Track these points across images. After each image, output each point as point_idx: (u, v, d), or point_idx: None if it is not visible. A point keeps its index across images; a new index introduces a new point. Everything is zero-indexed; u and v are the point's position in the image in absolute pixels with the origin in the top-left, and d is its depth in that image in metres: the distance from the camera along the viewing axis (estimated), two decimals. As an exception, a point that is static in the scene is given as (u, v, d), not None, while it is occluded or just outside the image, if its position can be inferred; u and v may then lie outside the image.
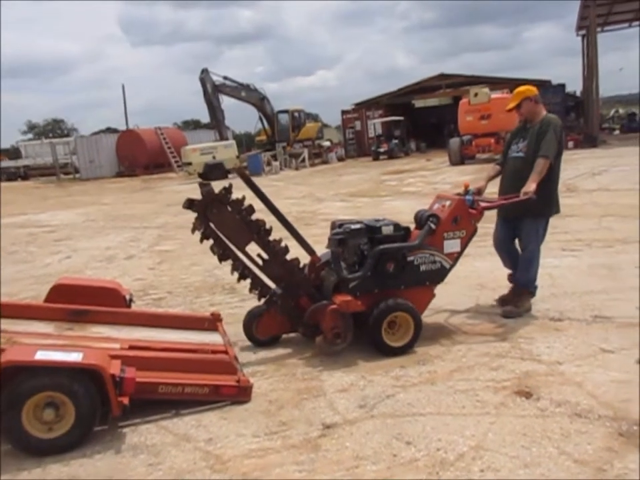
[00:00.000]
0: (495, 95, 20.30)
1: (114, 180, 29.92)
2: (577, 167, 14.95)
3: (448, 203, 4.20)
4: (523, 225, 4.41)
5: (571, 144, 22.22)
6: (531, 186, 4.08)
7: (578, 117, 29.34)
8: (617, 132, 30.62)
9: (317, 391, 3.38)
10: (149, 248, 8.97)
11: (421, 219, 4.09)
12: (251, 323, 4.20)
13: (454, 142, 20.03)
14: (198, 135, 37.07)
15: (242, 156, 26.71)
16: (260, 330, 4.18)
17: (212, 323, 4.29)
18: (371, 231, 3.98)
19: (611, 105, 39.86)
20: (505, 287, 4.78)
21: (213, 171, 23.43)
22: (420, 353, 3.86)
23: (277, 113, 29.44)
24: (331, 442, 2.81)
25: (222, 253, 3.88)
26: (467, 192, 4.27)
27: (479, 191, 4.47)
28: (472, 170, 17.52)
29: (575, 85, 30.70)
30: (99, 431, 2.96)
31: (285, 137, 28.91)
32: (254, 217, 3.89)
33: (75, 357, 2.80)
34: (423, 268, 3.97)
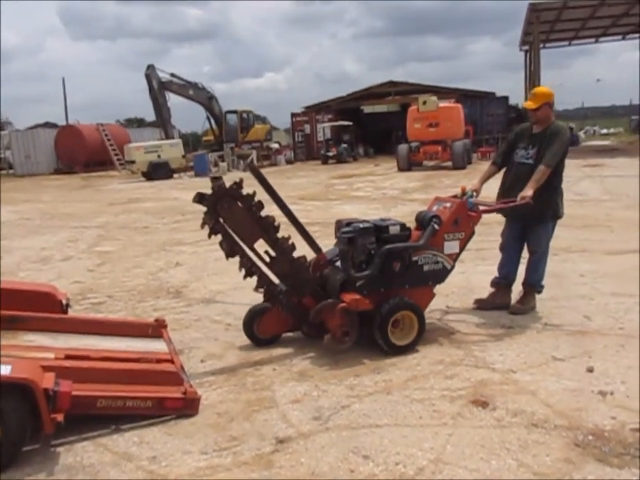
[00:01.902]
0: (443, 103, 20.72)
1: (51, 177, 28.61)
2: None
3: (448, 205, 4.26)
4: (532, 229, 4.53)
5: (513, 154, 22.97)
6: (528, 191, 4.13)
7: (519, 129, 30.33)
8: (555, 144, 31.90)
9: (269, 402, 3.22)
10: (89, 249, 8.53)
11: (423, 220, 4.11)
12: (252, 321, 4.06)
13: (402, 148, 20.27)
14: (142, 133, 35.97)
15: (188, 156, 26.11)
16: (262, 328, 4.06)
17: (156, 329, 4.04)
18: (379, 230, 3.98)
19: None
20: (462, 292, 4.78)
21: (158, 170, 22.82)
22: (374, 361, 3.76)
23: (225, 113, 28.94)
24: (284, 458, 2.66)
25: (230, 249, 3.78)
26: (464, 194, 4.37)
27: (475, 194, 4.50)
28: (420, 176, 17.76)
29: (514, 99, 31.67)
30: (29, 451, 2.70)
31: (233, 138, 28.47)
32: (263, 213, 3.82)
33: (2, 370, 2.53)
34: (426, 268, 4.03)
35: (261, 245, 3.93)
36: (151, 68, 24.92)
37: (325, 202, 12.67)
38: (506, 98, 30.68)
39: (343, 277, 3.89)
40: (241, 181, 3.74)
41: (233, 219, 3.74)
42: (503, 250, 4.83)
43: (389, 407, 3.11)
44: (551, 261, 6.36)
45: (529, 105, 4.41)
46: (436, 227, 4.03)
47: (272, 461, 2.64)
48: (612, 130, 49.31)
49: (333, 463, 2.60)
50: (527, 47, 30.01)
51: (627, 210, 9.74)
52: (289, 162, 29.82)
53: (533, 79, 25.56)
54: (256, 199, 3.79)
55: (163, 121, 26.10)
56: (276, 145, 31.26)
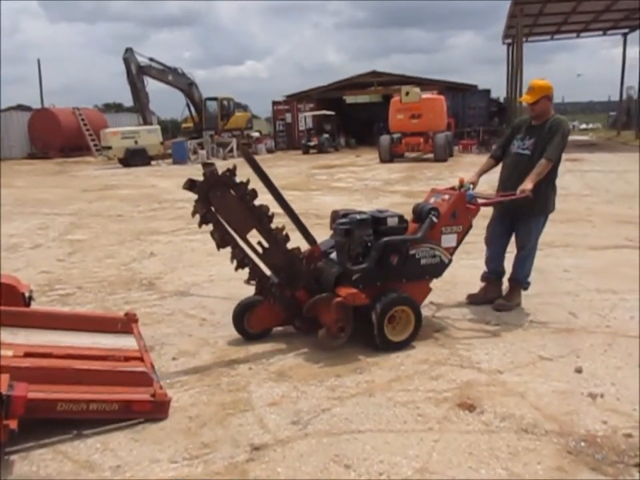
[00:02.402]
0: (426, 95, 20.58)
1: (24, 162, 27.86)
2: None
3: (447, 197, 4.13)
4: (523, 223, 4.42)
5: (494, 147, 22.99)
6: (528, 185, 4.05)
7: (501, 122, 30.41)
8: (535, 138, 32.12)
9: (244, 405, 3.02)
10: (60, 237, 8.19)
11: (421, 212, 3.99)
12: (243, 314, 3.90)
13: (384, 139, 20.10)
14: (120, 119, 35.25)
15: (166, 142, 25.64)
16: (252, 322, 3.90)
17: (126, 324, 3.81)
18: (376, 222, 3.85)
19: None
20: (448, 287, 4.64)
21: (135, 156, 22.39)
22: (356, 360, 3.59)
23: (205, 100, 28.45)
24: (260, 467, 2.47)
25: (221, 240, 3.62)
26: (461, 186, 4.24)
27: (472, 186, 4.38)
28: (401, 168, 17.64)
29: (496, 92, 31.74)
30: (-21, 459, 2.47)
31: (213, 126, 28.00)
32: (257, 201, 3.67)
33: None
34: (423, 262, 3.92)
35: (253, 235, 3.76)
36: (129, 51, 24.38)
37: (306, 192, 12.44)
38: (488, 91, 30.73)
39: (339, 269, 3.74)
40: (234, 167, 3.57)
41: (225, 207, 3.57)
42: (489, 244, 4.73)
43: (372, 411, 2.94)
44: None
45: (527, 99, 4.30)
46: (434, 219, 3.92)
47: (246, 470, 2.44)
48: (591, 125, 49.88)
49: (312, 473, 2.42)
50: (509, 41, 30.02)
51: (607, 205, 9.76)
52: (269, 151, 29.50)
53: (515, 72, 25.57)
54: (249, 187, 3.63)
55: (141, 107, 25.61)
56: (257, 134, 30.90)
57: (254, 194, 3.63)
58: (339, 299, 3.57)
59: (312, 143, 26.93)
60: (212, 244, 7.21)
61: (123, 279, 5.70)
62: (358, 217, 3.82)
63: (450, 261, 4.08)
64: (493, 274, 4.69)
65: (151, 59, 25.58)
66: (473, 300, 4.68)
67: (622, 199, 10.19)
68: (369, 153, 24.09)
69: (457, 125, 26.04)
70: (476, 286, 4.81)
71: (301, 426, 2.80)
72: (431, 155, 19.73)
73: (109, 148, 22.72)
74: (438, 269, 4.03)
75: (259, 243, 3.75)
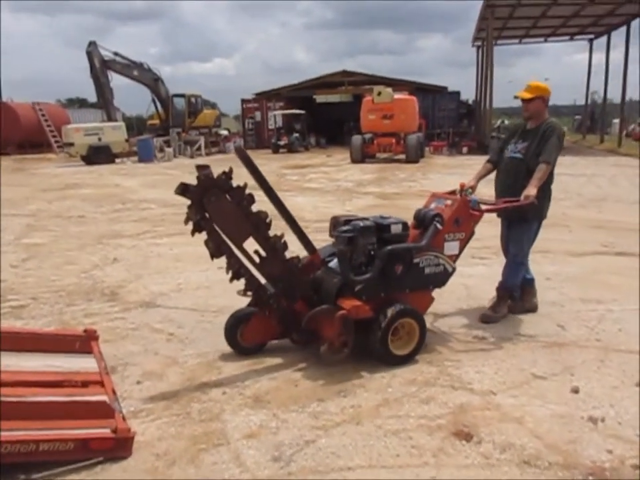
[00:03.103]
0: (398, 95, 20.44)
1: (-20, 158, 26.70)
2: (473, 172, 15.27)
3: (449, 202, 3.97)
4: (516, 229, 4.30)
5: (465, 149, 23.09)
6: (532, 190, 3.94)
7: (470, 125, 30.64)
8: (503, 141, 32.50)
9: (219, 438, 2.71)
10: (15, 240, 7.65)
11: (424, 219, 3.80)
12: (236, 327, 3.66)
13: (356, 139, 19.88)
14: (83, 115, 34.20)
15: (132, 140, 24.91)
16: (246, 336, 3.66)
17: (85, 342, 3.46)
18: (380, 229, 3.64)
19: (497, 116, 42.23)
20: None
21: (98, 154, 21.63)
22: (339, 382, 3.31)
23: (172, 97, 27.78)
24: (238, 516, 2.17)
25: (216, 249, 3.38)
26: (462, 191, 4.13)
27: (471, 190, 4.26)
28: (373, 169, 17.45)
29: (464, 95, 31.97)
30: None
31: (180, 123, 27.35)
32: (254, 207, 3.46)
33: None
34: (427, 271, 3.74)
35: (249, 243, 3.51)
36: (92, 45, 23.60)
37: (278, 193, 12.10)
38: (457, 93, 30.90)
39: (341, 280, 3.53)
40: (230, 170, 3.32)
41: (221, 214, 3.33)
42: (504, 252, 4.60)
43: (361, 442, 2.67)
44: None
45: (523, 94, 4.19)
46: (439, 226, 3.73)
47: (222, 520, 2.14)
48: (556, 128, 50.75)
49: (298, 523, 2.13)
50: (479, 43, 30.22)
51: (581, 209, 9.75)
52: (238, 150, 28.95)
53: (485, 75, 25.75)
54: (247, 191, 3.42)
55: (105, 102, 24.82)
56: (225, 132, 30.35)
57: (251, 199, 3.41)
58: (343, 312, 3.35)
59: (282, 142, 26.52)
60: (179, 249, 6.94)
61: (83, 288, 5.28)
62: (361, 223, 3.60)
63: (454, 269, 3.90)
64: (524, 283, 4.50)
65: (116, 53, 24.85)
66: (511, 310, 4.47)
67: (593, 204, 10.21)
68: (339, 153, 23.85)
69: (428, 126, 26.04)
70: (455, 295, 4.61)
71: (283, 463, 2.50)
72: (402, 156, 19.60)
73: (71, 145, 21.87)
74: (442, 278, 3.86)
75: (256, 252, 3.51)
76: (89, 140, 21.90)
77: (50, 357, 3.20)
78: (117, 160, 22.80)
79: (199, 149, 25.66)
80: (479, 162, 19.65)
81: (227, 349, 3.77)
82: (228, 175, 3.32)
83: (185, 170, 18.64)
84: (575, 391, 3.22)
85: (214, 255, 3.40)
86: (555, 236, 7.48)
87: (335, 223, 3.75)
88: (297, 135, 26.85)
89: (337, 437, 2.71)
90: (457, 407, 3.02)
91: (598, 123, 33.58)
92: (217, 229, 3.35)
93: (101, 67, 23.83)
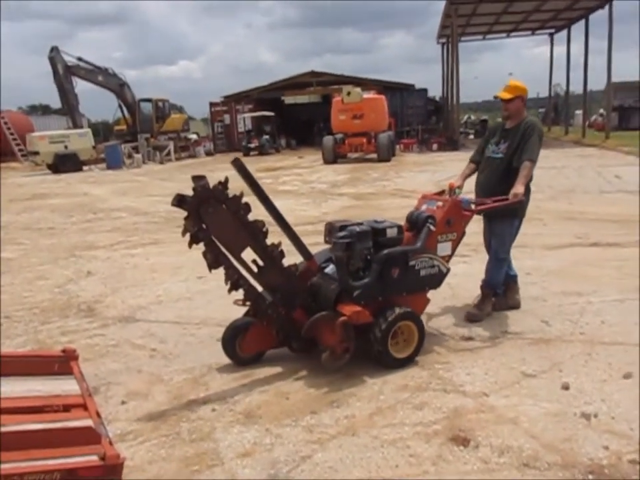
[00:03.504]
0: (367, 95, 20.49)
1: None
2: (445, 169, 15.44)
3: (440, 203, 4.00)
4: (497, 226, 4.34)
5: (435, 146, 23.29)
6: (519, 189, 3.97)
7: (438, 121, 30.93)
8: (472, 136, 32.84)
9: (212, 458, 2.62)
10: (-18, 256, 7.41)
11: (417, 221, 3.82)
12: (234, 338, 3.61)
13: (327, 140, 19.85)
14: (47, 122, 33.45)
15: (99, 146, 24.43)
16: (245, 346, 3.63)
17: (64, 363, 3.30)
18: (375, 234, 3.64)
19: (464, 111, 42.75)
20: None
21: (65, 162, 21.18)
22: (331, 391, 3.26)
23: (139, 102, 27.34)
24: (238, 541, 2.09)
25: (215, 260, 3.35)
26: (452, 192, 4.19)
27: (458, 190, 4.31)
28: (346, 169, 17.44)
29: (431, 91, 32.11)
30: None
31: (148, 128, 26.92)
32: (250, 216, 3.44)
33: None
34: (423, 273, 3.75)
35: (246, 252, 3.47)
36: (55, 50, 23.12)
37: (251, 197, 11.98)
38: (425, 90, 31.14)
39: (339, 286, 3.52)
40: (227, 180, 3.31)
41: (218, 224, 3.29)
42: (487, 250, 4.63)
43: (358, 454, 2.61)
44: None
45: (504, 95, 4.22)
46: (432, 227, 3.75)
47: None
48: (521, 122, 51.56)
49: None
50: (444, 40, 30.51)
51: (552, 201, 9.88)
52: (208, 154, 28.69)
53: (451, 71, 26.02)
54: (243, 200, 3.40)
55: (70, 109, 24.33)
56: (194, 136, 29.98)
57: (248, 208, 3.38)
58: (344, 318, 3.33)
59: (252, 145, 26.34)
60: (155, 259, 6.79)
61: (58, 304, 5.11)
62: (357, 229, 3.59)
63: (448, 270, 3.91)
64: (506, 279, 4.55)
65: (79, 59, 24.39)
66: (496, 307, 4.50)
67: (563, 195, 10.37)
68: (311, 154, 23.81)
69: (397, 124, 26.18)
70: (441, 295, 4.60)
71: (280, 481, 2.43)
72: (374, 155, 19.66)
73: (37, 153, 21.36)
74: (437, 279, 3.87)
75: (254, 262, 3.49)
76: (55, 148, 21.42)
77: (28, 381, 3.06)
78: (85, 167, 22.34)
79: (168, 154, 25.31)
80: (449, 158, 19.95)
81: (213, 362, 3.68)
82: (224, 185, 3.30)
83: (154, 177, 18.37)
84: (566, 387, 3.23)
85: (212, 266, 3.36)
86: (530, 230, 7.53)
87: (330, 228, 3.73)
88: (267, 137, 26.72)
89: (333, 451, 2.65)
90: (451, 411, 2.99)
91: (562, 114, 34.24)
92: (215, 239, 3.32)
93: (64, 73, 23.36)
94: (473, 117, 42.71)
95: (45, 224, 9.60)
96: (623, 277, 5.25)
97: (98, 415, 2.87)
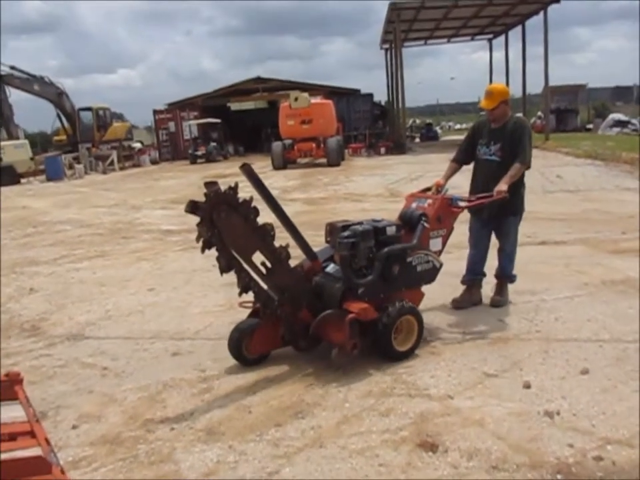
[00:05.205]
0: (315, 100, 20.53)
1: None
2: (394, 173, 15.64)
3: (430, 201, 4.17)
4: (504, 224, 4.52)
5: (383, 150, 23.58)
6: (503, 186, 4.11)
7: (385, 125, 31.36)
8: (418, 140, 33.55)
9: (173, 481, 2.49)
10: None
11: (411, 219, 4.01)
12: (241, 339, 3.64)
13: (277, 146, 19.75)
14: (-20, 133, 31.82)
15: (38, 158, 23.48)
16: (252, 347, 3.66)
17: (8, 388, 3.07)
18: (377, 232, 3.75)
19: (409, 116, 43.63)
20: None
21: (1, 175, 20.18)
22: (294, 401, 3.17)
23: (78, 111, 26.52)
24: None
25: (227, 265, 3.39)
26: (439, 191, 4.32)
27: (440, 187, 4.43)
28: (296, 175, 17.39)
29: (376, 96, 32.52)
30: None
31: (89, 138, 26.18)
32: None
33: None
34: (419, 268, 3.92)
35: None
36: (-15, 60, 22.07)
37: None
38: (371, 95, 31.52)
39: (344, 284, 3.62)
40: (236, 185, 3.36)
41: (231, 229, 3.33)
42: (473, 246, 4.74)
43: (327, 467, 2.53)
44: (448, 260, 6.26)
45: (487, 104, 4.33)
46: (426, 225, 3.95)
47: None
48: (464, 125, 53.22)
49: None
50: (387, 46, 31.01)
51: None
52: (153, 162, 28.07)
53: (396, 77, 26.44)
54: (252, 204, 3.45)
55: (4, 120, 23.43)
56: (138, 145, 29.33)
57: (257, 212, 3.45)
58: (353, 315, 3.42)
59: (199, 152, 25.93)
60: (103, 272, 6.51)
61: (-1, 324, 4.80)
62: (360, 228, 3.70)
63: (441, 264, 4.08)
64: (478, 275, 4.72)
65: (13, 67, 23.45)
66: (459, 305, 4.63)
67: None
68: (260, 160, 23.61)
69: (344, 129, 26.37)
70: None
71: (247, 501, 2.33)
72: (323, 160, 19.70)
73: (-31, 166, 20.32)
74: (432, 274, 4.04)
75: (263, 264, 3.55)
76: (-11, 160, 20.43)
77: (-33, 410, 2.83)
78: (23, 180, 21.41)
79: (111, 163, 24.61)
80: (397, 161, 20.18)
81: (169, 378, 3.53)
82: (235, 190, 3.33)
83: (97, 187, 17.78)
84: (527, 386, 3.25)
85: (224, 270, 3.41)
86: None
87: (332, 229, 3.82)
88: (214, 144, 26.39)
89: (301, 465, 2.56)
90: (418, 416, 2.96)
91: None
92: (226, 244, 3.35)
93: (-4, 82, 22.38)
94: (418, 121, 43.67)
95: (-20, 240, 9.08)
96: (572, 274, 5.40)
97: (47, 441, 2.68)
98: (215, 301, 5.09)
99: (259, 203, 3.47)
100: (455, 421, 2.90)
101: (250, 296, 3.61)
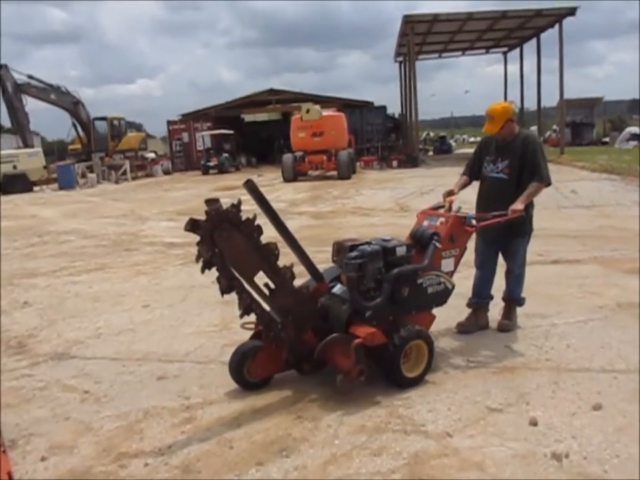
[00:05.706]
0: (326, 112, 20.43)
1: None
2: (405, 187, 15.42)
3: (442, 219, 3.98)
4: (511, 245, 4.34)
5: (395, 163, 23.37)
6: (520, 205, 3.95)
7: (398, 138, 31.18)
8: (431, 153, 33.29)
9: (139, 527, 2.27)
10: None
11: (422, 238, 3.80)
12: (242, 362, 3.50)
13: (287, 158, 19.65)
14: (-3, 141, 32.22)
15: (51, 166, 23.65)
16: (254, 370, 3.51)
17: (-23, 415, 2.91)
18: (386, 253, 3.58)
19: (422, 128, 43.44)
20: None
21: (14, 182, 20.38)
22: (280, 436, 2.94)
23: (93, 120, 26.72)
24: None
25: (228, 286, 3.23)
26: (451, 207, 4.11)
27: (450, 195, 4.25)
28: (306, 187, 17.23)
29: (389, 108, 32.38)
30: None
31: (103, 147, 26.34)
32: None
33: None
34: (430, 290, 3.72)
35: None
36: (4, 68, 22.48)
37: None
38: (384, 107, 31.39)
39: (351, 306, 3.47)
40: (239, 202, 3.20)
41: (232, 249, 3.17)
42: (480, 267, 4.54)
43: (308, 516, 2.31)
44: (453, 279, 6.02)
45: (491, 129, 4.16)
46: (438, 244, 3.75)
47: None
48: (479, 138, 52.84)
49: None
50: (401, 59, 30.92)
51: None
52: (166, 172, 28.15)
53: (409, 89, 26.29)
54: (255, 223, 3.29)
55: (20, 128, 23.64)
56: (152, 155, 29.46)
57: (260, 231, 3.28)
58: (359, 340, 3.26)
59: (212, 163, 25.94)
60: (99, 286, 6.35)
61: (-16, 340, 4.64)
62: (369, 248, 3.53)
63: (453, 286, 3.86)
64: (485, 299, 4.51)
65: (30, 77, 23.75)
66: (464, 329, 4.40)
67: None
68: (271, 172, 23.55)
69: (357, 141, 26.24)
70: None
71: None
72: (334, 173, 19.54)
73: (-17, 174, 20.50)
74: (444, 296, 3.84)
75: (266, 285, 3.39)
76: (3, 168, 20.70)
77: None
78: (36, 188, 21.57)
79: (124, 173, 24.69)
80: (409, 175, 20.00)
81: (151, 406, 3.32)
82: (237, 208, 3.17)
83: (108, 197, 17.78)
84: (534, 423, 3.00)
85: (224, 291, 3.25)
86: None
87: (340, 248, 3.66)
88: (226, 155, 26.40)
89: (280, 512, 2.33)
90: (412, 456, 2.72)
91: (517, 131, 35.02)
92: (227, 264, 3.19)
93: (14, 91, 22.72)
94: (431, 134, 43.43)
95: (-16, 249, 9.00)
96: (585, 296, 5.14)
97: (10, 476, 2.50)
98: (210, 320, 4.90)
99: (262, 219, 3.29)
100: (452, 463, 2.66)
101: (252, 316, 3.42)
